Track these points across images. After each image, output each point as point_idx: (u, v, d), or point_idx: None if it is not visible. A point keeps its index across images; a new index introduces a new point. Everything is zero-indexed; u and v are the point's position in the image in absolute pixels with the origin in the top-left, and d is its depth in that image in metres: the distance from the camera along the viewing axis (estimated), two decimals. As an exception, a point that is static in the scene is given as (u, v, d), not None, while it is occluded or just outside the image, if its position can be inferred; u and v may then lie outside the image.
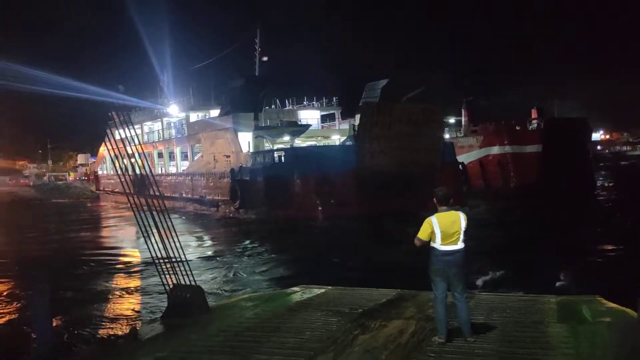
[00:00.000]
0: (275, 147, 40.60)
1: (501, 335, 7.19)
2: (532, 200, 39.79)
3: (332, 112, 50.31)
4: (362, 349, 6.79)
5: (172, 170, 53.30)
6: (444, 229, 6.88)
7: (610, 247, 22.21)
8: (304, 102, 49.26)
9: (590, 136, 60.85)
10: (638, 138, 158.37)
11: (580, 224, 28.86)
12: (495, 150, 53.35)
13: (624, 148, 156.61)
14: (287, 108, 47.88)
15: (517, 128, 53.81)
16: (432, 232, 6.91)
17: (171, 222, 8.97)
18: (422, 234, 6.98)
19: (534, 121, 54.50)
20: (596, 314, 7.93)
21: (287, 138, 41.76)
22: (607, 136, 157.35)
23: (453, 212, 7.01)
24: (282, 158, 36.35)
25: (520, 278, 15.69)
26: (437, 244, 6.93)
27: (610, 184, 58.44)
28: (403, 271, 17.40)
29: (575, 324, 7.53)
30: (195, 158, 48.32)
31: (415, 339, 7.13)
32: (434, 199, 7.10)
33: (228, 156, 41.51)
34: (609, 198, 46.11)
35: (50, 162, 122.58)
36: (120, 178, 9.47)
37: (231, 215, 39.61)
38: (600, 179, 62.44)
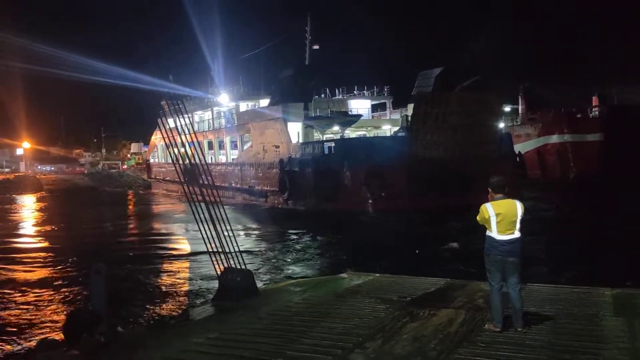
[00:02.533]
0: (324, 138, 40.00)
1: (554, 327, 7.03)
2: (593, 192, 37.93)
3: (382, 101, 49.21)
4: (410, 337, 6.69)
5: (222, 159, 53.47)
6: (500, 217, 6.75)
7: None
8: (354, 92, 48.36)
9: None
10: None
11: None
12: (554, 139, 51.28)
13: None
14: (337, 98, 47.10)
15: (578, 116, 51.45)
16: (488, 220, 6.81)
17: (224, 209, 9.14)
18: (479, 219, 6.95)
19: (596, 109, 51.98)
20: None
21: (337, 128, 41.08)
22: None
23: (509, 200, 6.86)
24: (332, 149, 35.73)
25: (575, 269, 15.51)
26: (494, 233, 6.82)
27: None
28: (452, 262, 17.26)
29: (632, 317, 7.28)
30: (245, 148, 48.25)
31: (464, 329, 7.00)
32: (489, 188, 6.96)
33: (277, 146, 41.20)
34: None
35: (104, 150, 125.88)
36: (175, 167, 9.69)
37: (279, 206, 39.39)
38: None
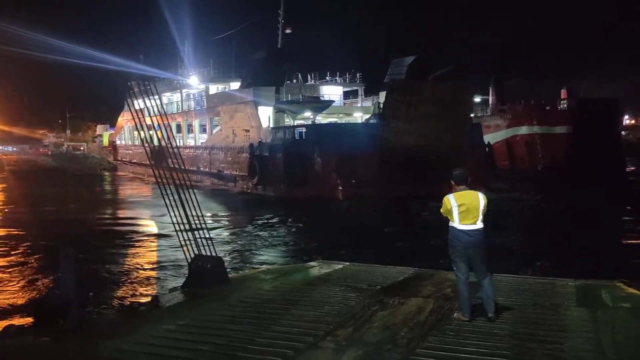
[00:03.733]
0: (296, 123, 39.58)
1: (520, 316, 7.17)
2: (559, 183, 38.50)
3: (355, 88, 49.00)
4: (381, 325, 6.75)
5: (191, 143, 52.64)
6: (462, 207, 6.84)
7: (634, 234, 21.97)
8: (327, 78, 48.03)
9: (622, 119, 58.81)
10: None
11: (604, 210, 27.84)
12: (523, 130, 51.78)
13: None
14: (309, 83, 46.67)
15: (547, 108, 52.07)
16: (450, 211, 6.89)
17: (194, 194, 9.08)
18: (443, 210, 7.04)
19: (564, 101, 52.69)
20: (616, 299, 7.89)
21: (308, 114, 40.70)
22: (633, 121, 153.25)
23: (471, 191, 6.96)
24: (303, 134, 35.38)
25: (540, 261, 15.76)
26: (456, 224, 6.90)
27: (637, 168, 56.79)
28: (421, 251, 17.37)
29: (594, 308, 7.48)
30: (214, 131, 47.62)
31: (433, 318, 7.11)
32: (452, 180, 7.08)
33: (247, 130, 40.68)
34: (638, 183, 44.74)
35: (69, 131, 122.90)
36: (145, 149, 9.57)
37: (249, 191, 39.03)
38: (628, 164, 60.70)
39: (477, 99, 60.19)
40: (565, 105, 51.69)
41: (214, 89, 49.10)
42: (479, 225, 6.89)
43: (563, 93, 54.38)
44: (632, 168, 54.82)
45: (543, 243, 19.53)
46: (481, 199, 6.90)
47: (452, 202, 6.89)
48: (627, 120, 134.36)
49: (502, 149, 51.35)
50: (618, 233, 22.21)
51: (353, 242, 19.34)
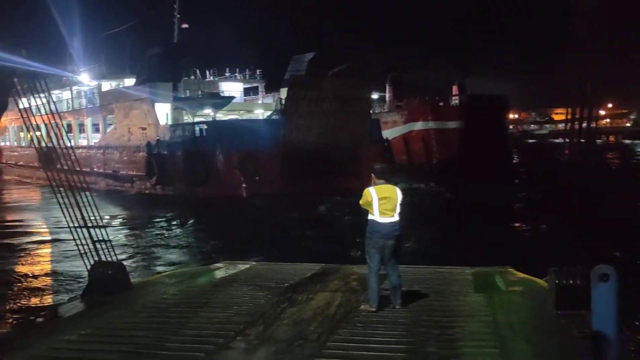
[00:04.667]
0: (195, 120, 38.61)
1: (423, 305, 7.48)
2: (452, 177, 40.25)
3: (255, 85, 48.51)
4: (291, 322, 6.82)
5: (83, 143, 49.88)
6: (382, 201, 7.07)
7: (521, 222, 23.64)
8: (226, 74, 47.20)
9: (508, 113, 62.42)
10: (544, 118, 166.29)
11: (496, 201, 29.42)
12: (419, 125, 53.62)
13: (532, 127, 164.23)
14: (209, 79, 45.69)
15: (441, 104, 54.31)
16: (371, 203, 7.09)
17: (92, 197, 8.79)
18: (362, 202, 7.21)
19: (455, 97, 55.19)
20: (509, 283, 8.34)
21: (208, 111, 39.84)
22: (516, 115, 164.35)
23: (390, 185, 7.24)
24: (204, 131, 34.58)
25: (437, 251, 16.61)
26: (376, 216, 7.11)
27: (520, 160, 60.79)
28: (326, 246, 17.55)
29: (490, 293, 7.91)
30: (108, 130, 45.40)
31: (342, 311, 7.25)
32: (372, 174, 7.30)
33: (144, 128, 39.16)
34: (523, 175, 47.85)
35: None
36: (37, 150, 9.20)
37: (147, 191, 37.57)
38: (514, 156, 64.75)
39: (375, 96, 61.68)
40: (457, 101, 54.17)
41: (106, 85, 46.78)
42: (396, 218, 7.17)
43: (454, 89, 56.83)
44: (517, 160, 58.50)
45: (442, 233, 20.34)
46: (399, 193, 7.20)
47: (373, 194, 7.10)
48: (510, 114, 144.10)
49: (400, 144, 52.90)
50: (507, 222, 23.58)
51: (258, 240, 19.21)
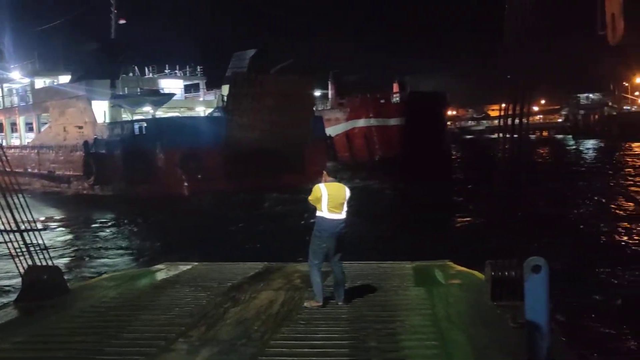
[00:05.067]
0: (134, 118, 37.67)
1: (365, 300, 7.59)
2: (394, 173, 40.87)
3: (196, 82, 47.62)
4: (234, 321, 6.80)
5: (15, 142, 47.83)
6: (331, 197, 7.21)
7: (460, 217, 23.92)
8: (166, 71, 46.17)
9: (447, 110, 63.71)
10: (481, 114, 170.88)
11: (435, 196, 30.08)
12: (361, 123, 54.08)
13: (469, 123, 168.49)
14: (148, 76, 44.58)
15: (382, 101, 54.96)
16: (320, 199, 7.21)
17: (24, 198, 8.43)
18: (312, 198, 7.33)
19: (395, 94, 55.99)
20: (448, 276, 8.60)
21: (147, 108, 38.87)
22: (454, 112, 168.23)
23: (339, 183, 7.46)
24: (144, 129, 33.76)
25: (379, 247, 16.59)
26: (324, 213, 7.22)
27: (459, 156, 62.43)
28: (269, 245, 17.50)
29: (430, 286, 8.08)
30: (43, 129, 43.70)
31: (285, 309, 7.28)
32: (324, 171, 7.58)
33: (81, 127, 37.90)
34: (461, 170, 49.19)
35: None
36: None
37: (85, 192, 36.40)
38: (453, 152, 66.36)
39: (317, 93, 61.87)
40: (397, 99, 54.97)
41: (40, 83, 44.95)
42: (344, 215, 7.33)
43: (395, 87, 57.66)
44: (456, 155, 59.97)
45: (384, 229, 20.61)
46: (347, 191, 7.38)
47: (323, 191, 7.25)
48: (448, 111, 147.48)
49: (342, 141, 53.32)
50: (446, 217, 24.13)
51: (201, 240, 18.89)
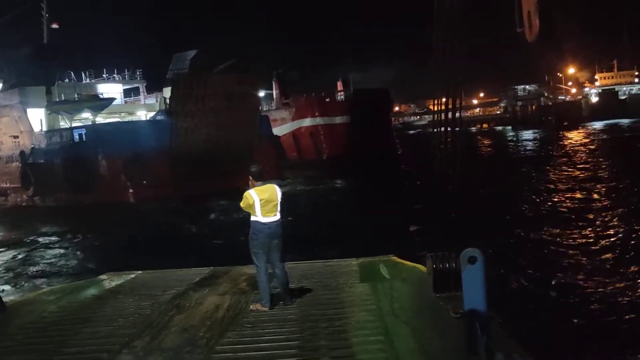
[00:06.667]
0: (73, 125, 36.52)
1: (312, 299, 7.61)
2: (342, 171, 41.06)
3: (135, 85, 46.60)
4: (179, 329, 6.70)
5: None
6: (263, 202, 7.17)
7: (406, 211, 23.72)
8: (104, 76, 44.93)
9: (392, 107, 64.52)
10: (423, 109, 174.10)
11: (382, 192, 30.46)
12: (307, 122, 54.24)
13: (412, 118, 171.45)
14: (85, 82, 43.27)
15: (327, 100, 55.24)
16: (252, 205, 7.18)
17: None
18: (244, 205, 7.30)
19: (340, 93, 56.38)
20: (392, 271, 8.63)
21: (87, 114, 37.78)
22: (397, 108, 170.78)
23: (269, 185, 7.34)
24: (83, 136, 32.83)
25: (326, 245, 16.72)
26: (259, 217, 7.21)
27: (404, 152, 63.28)
28: (217, 249, 17.30)
29: (375, 282, 8.16)
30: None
31: (231, 313, 7.23)
32: (249, 177, 7.36)
33: (16, 137, 36.50)
34: (407, 166, 49.95)
35: None
36: None
37: (24, 204, 35.11)
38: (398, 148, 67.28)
39: (262, 94, 61.54)
40: (342, 97, 55.38)
41: (-32, 92, 43.06)
42: (278, 216, 7.31)
43: (339, 85, 58.05)
44: (401, 151, 60.75)
45: (330, 227, 20.68)
46: (278, 192, 7.34)
47: (254, 196, 7.18)
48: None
49: (289, 141, 53.30)
50: (392, 212, 24.36)
51: (146, 248, 18.45)
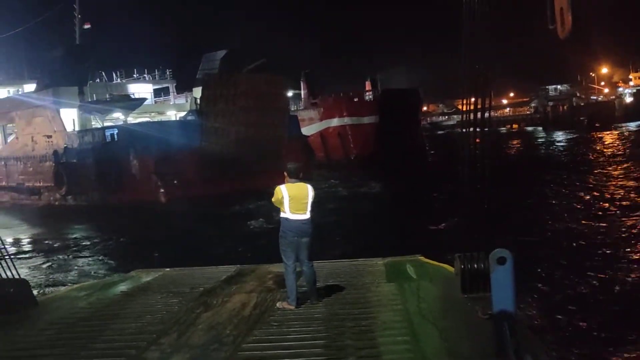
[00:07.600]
0: (105, 125, 37.15)
1: (337, 298, 7.61)
2: (370, 172, 40.98)
3: (165, 85, 47.10)
4: (206, 326, 6.74)
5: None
6: (293, 199, 7.20)
7: (435, 212, 23.82)
8: (134, 75, 45.57)
9: (421, 106, 64.05)
10: (452, 109, 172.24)
11: (411, 193, 30.25)
12: (335, 122, 54.26)
13: (440, 118, 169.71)
14: (116, 82, 43.96)
15: (355, 100, 55.17)
16: (282, 200, 7.20)
17: None
18: (274, 200, 7.33)
19: (368, 93, 56.27)
20: (419, 271, 8.65)
21: (118, 114, 38.36)
22: (425, 108, 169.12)
23: (301, 183, 7.37)
24: (115, 136, 33.28)
25: (353, 245, 16.85)
26: (287, 214, 7.24)
27: (433, 152, 62.83)
28: (246, 247, 17.39)
29: (401, 282, 8.14)
30: (9, 140, 42.75)
31: (257, 311, 7.26)
32: (285, 173, 7.39)
33: (50, 136, 37.19)
34: (436, 166, 49.54)
35: None
36: None
37: (57, 203, 35.76)
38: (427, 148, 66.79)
39: (290, 93, 61.74)
40: (370, 97, 55.24)
41: (4, 93, 44.10)
42: (308, 215, 7.29)
43: (367, 85, 57.96)
44: (431, 151, 60.37)
45: (357, 227, 20.67)
46: (310, 191, 7.33)
47: (284, 192, 7.21)
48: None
49: (317, 140, 53.38)
50: (420, 212, 24.21)
51: (174, 246, 18.70)
